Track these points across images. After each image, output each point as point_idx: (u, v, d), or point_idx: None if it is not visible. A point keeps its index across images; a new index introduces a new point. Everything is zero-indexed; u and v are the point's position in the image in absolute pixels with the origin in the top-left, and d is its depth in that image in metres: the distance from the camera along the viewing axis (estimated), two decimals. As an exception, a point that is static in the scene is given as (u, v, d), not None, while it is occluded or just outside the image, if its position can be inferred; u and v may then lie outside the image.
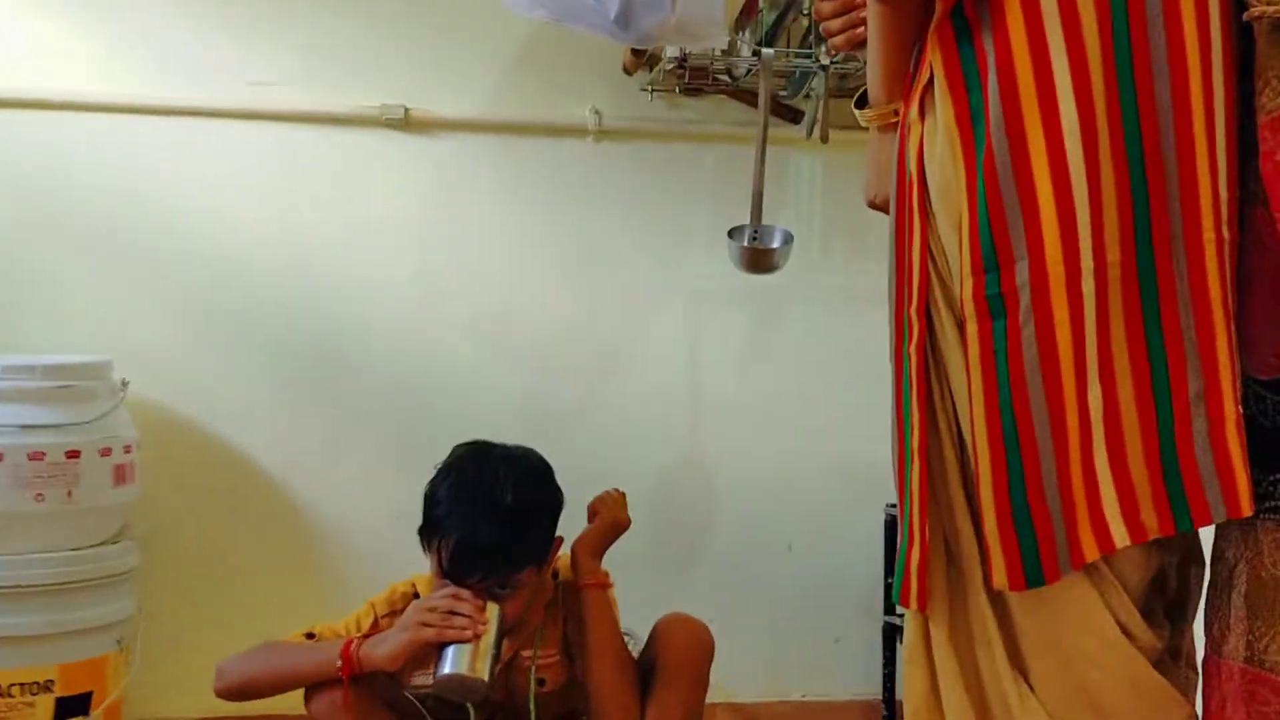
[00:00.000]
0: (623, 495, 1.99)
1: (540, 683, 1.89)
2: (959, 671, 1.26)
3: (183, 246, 2.50)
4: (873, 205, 1.47)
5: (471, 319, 2.60)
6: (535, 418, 2.51)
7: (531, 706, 1.87)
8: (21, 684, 2.12)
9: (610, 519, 1.94)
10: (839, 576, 2.65)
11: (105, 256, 2.48)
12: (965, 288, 1.23)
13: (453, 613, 1.74)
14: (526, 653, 1.90)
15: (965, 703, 1.25)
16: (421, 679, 1.87)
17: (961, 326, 1.24)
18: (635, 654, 1.96)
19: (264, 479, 2.52)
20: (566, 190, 2.63)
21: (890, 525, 2.52)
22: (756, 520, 2.64)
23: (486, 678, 1.73)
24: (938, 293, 1.26)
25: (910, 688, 1.30)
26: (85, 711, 2.18)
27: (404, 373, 2.56)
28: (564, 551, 1.94)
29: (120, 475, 2.23)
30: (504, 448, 1.89)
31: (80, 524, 2.20)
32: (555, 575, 1.95)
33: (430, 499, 1.83)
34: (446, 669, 1.74)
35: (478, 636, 1.74)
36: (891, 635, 2.52)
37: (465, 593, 1.77)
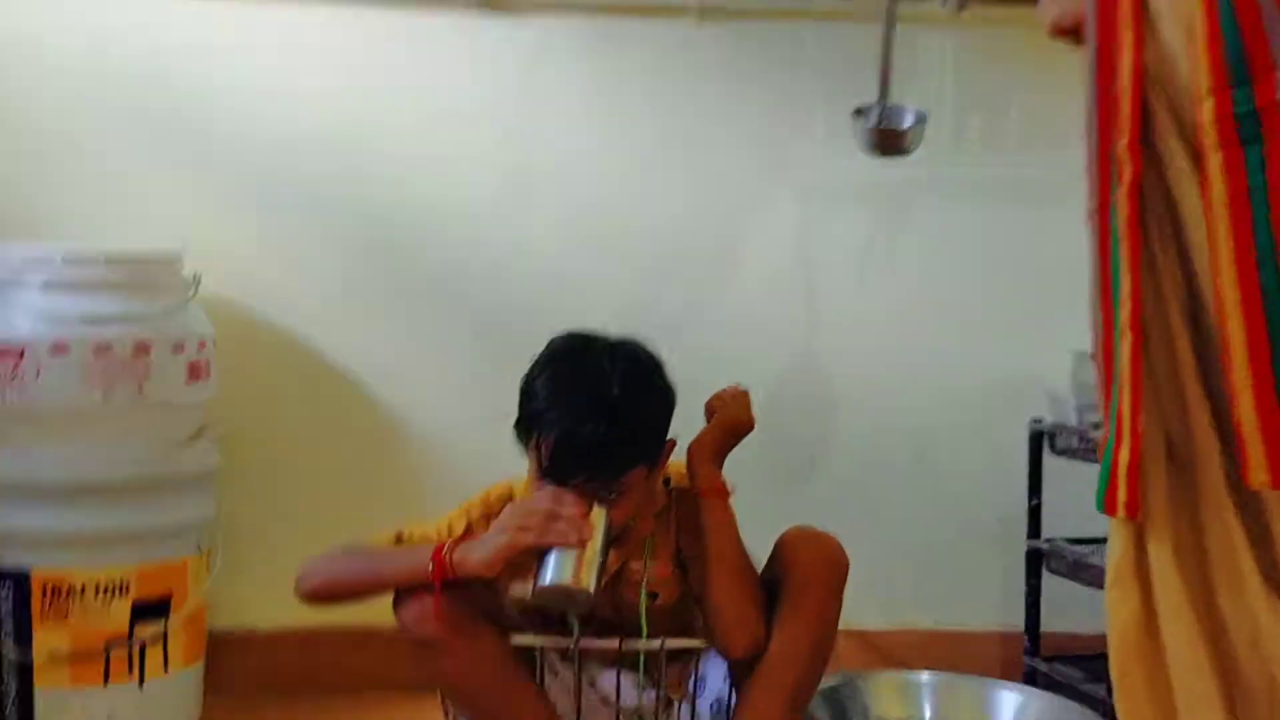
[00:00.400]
0: (745, 393, 1.76)
1: (652, 596, 1.69)
2: (1185, 594, 1.02)
3: (254, 136, 2.33)
4: (1058, 31, 1.20)
5: (562, 216, 2.39)
6: (632, 320, 2.24)
7: (643, 622, 1.67)
8: (97, 585, 1.98)
9: (730, 418, 1.71)
10: (976, 496, 2.41)
11: (172, 145, 2.32)
12: (1204, 108, 0.97)
13: (554, 516, 1.54)
14: (636, 564, 1.69)
15: (1193, 631, 1.01)
16: (520, 589, 1.67)
17: (1199, 159, 0.98)
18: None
19: (346, 378, 2.34)
20: (666, 76, 2.40)
21: (1035, 440, 2.27)
22: (882, 433, 2.40)
23: (592, 588, 1.54)
24: (1162, 119, 1.01)
25: (1117, 615, 1.06)
26: (164, 615, 2.04)
27: (491, 271, 2.37)
28: (678, 457, 1.72)
29: (195, 372, 2.07)
30: (607, 338, 1.68)
31: (154, 422, 2.04)
32: (667, 483, 1.74)
33: (527, 392, 1.63)
34: (548, 578, 1.54)
35: (582, 543, 1.54)
36: (1037, 561, 2.27)
37: (568, 495, 1.57)
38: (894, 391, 2.40)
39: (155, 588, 2.03)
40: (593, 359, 1.61)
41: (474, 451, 2.21)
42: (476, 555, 1.55)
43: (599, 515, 1.58)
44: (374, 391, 2.35)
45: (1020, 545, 2.31)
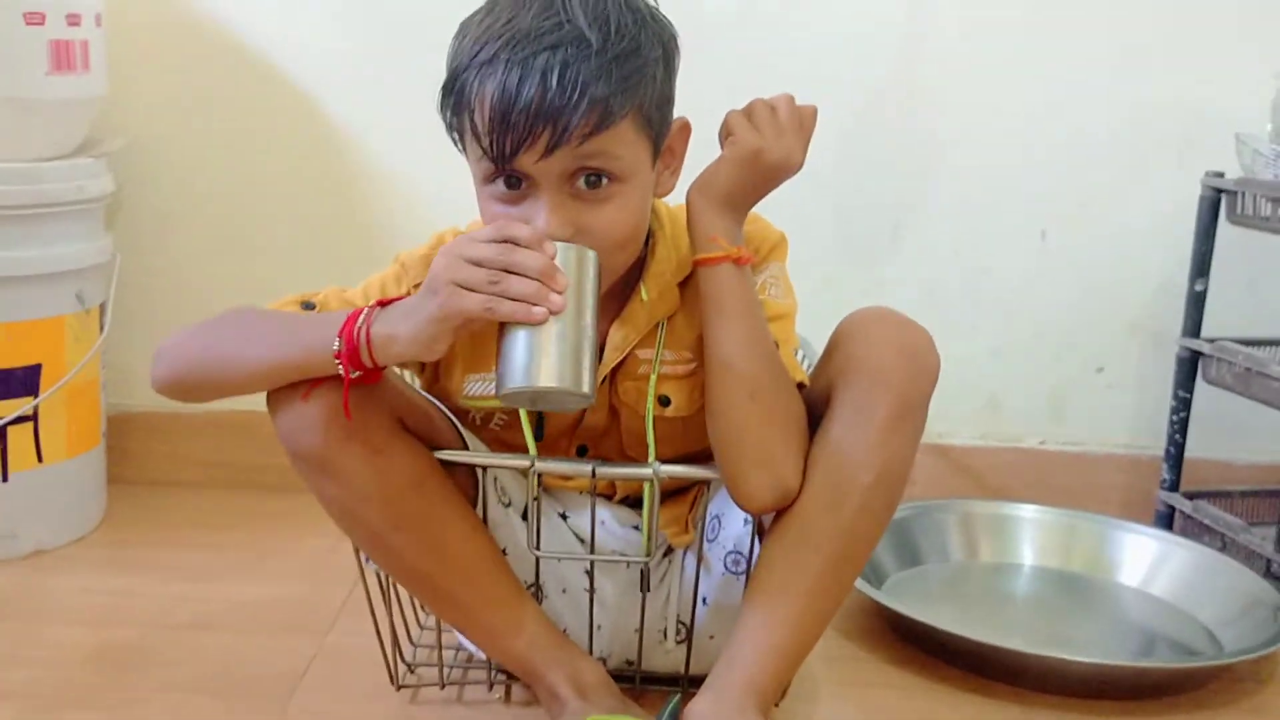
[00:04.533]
0: (810, 112, 1.10)
1: (663, 402, 1.16)
2: None
3: None
4: None
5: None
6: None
7: (649, 436, 1.13)
8: (-66, 350, 1.50)
9: (750, 148, 1.07)
10: (1113, 276, 1.82)
11: None
12: None
13: (505, 260, 0.97)
14: (644, 353, 1.15)
15: None
16: (482, 386, 1.16)
17: None
18: (807, 370, 1.20)
19: (283, 79, 1.77)
20: None
21: (1210, 203, 1.66)
22: (993, 190, 1.80)
23: (586, 385, 0.98)
24: None
25: None
26: (33, 391, 1.56)
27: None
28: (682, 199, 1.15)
29: (64, 58, 1.52)
30: None
31: (5, 127, 1.51)
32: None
33: (453, 55, 1.05)
34: (514, 379, 0.98)
35: (555, 312, 0.97)
36: (1191, 367, 1.70)
37: (524, 228, 0.99)
38: (1012, 132, 1.78)
39: (18, 354, 1.54)
40: None
41: (450, 187, 1.67)
42: (405, 331, 0.99)
43: (579, 256, 1.00)
44: (321, 98, 1.78)
45: (1169, 345, 1.74)
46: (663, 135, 1.08)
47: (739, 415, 1.05)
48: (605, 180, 1.03)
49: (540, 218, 1.01)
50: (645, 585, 1.17)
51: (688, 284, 1.16)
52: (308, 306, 1.13)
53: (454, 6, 1.09)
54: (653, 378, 1.14)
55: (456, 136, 1.07)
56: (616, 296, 1.13)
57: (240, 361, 1.06)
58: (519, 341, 0.98)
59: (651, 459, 1.13)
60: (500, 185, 1.03)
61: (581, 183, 1.02)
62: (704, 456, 1.19)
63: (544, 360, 0.97)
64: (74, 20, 1.53)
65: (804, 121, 1.09)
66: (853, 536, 1.05)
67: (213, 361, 1.07)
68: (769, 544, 1.08)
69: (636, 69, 1.01)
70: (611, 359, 1.13)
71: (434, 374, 1.19)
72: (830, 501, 1.05)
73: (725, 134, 1.10)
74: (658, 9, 1.07)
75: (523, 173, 1.02)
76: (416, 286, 1.13)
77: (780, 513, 1.07)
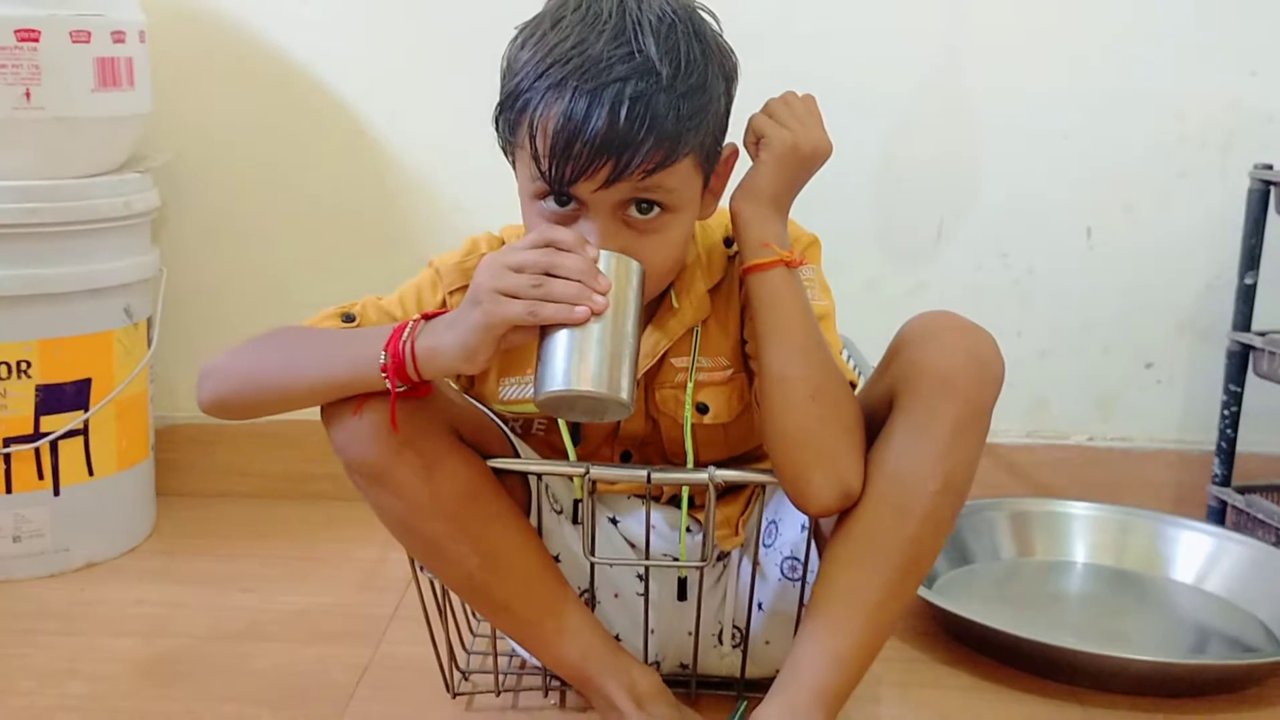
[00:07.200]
0: (809, 100, 1.10)
1: (701, 409, 1.15)
2: None
3: None
4: None
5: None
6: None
7: (687, 444, 1.14)
8: (-13, 364, 1.51)
9: (787, 144, 1.06)
10: (1157, 276, 1.80)
11: None
12: None
13: (549, 267, 0.96)
14: (679, 360, 1.15)
15: None
16: (517, 389, 1.16)
17: None
18: (858, 380, 1.19)
19: (325, 95, 1.78)
20: None
21: (1259, 196, 1.65)
22: (1037, 192, 1.78)
23: (625, 393, 0.96)
24: None
25: None
26: (83, 405, 1.58)
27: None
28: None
29: (109, 74, 1.54)
30: None
31: (52, 144, 1.53)
32: (729, 244, 1.17)
33: (509, 68, 1.04)
34: (551, 380, 0.96)
35: (597, 313, 0.97)
36: (1242, 361, 1.69)
37: (566, 232, 0.99)
38: (1056, 133, 1.77)
39: (68, 369, 1.55)
40: (609, 3, 1.01)
41: (490, 201, 1.67)
42: (449, 342, 0.98)
43: (624, 265, 0.99)
44: (363, 114, 1.79)
45: (1217, 339, 1.73)
46: (715, 164, 1.08)
47: (799, 416, 1.04)
48: (657, 210, 1.02)
49: (589, 241, 1.01)
50: (683, 594, 1.18)
51: (718, 291, 1.16)
52: (348, 319, 1.13)
53: (494, 22, 1.09)
54: (689, 385, 1.14)
55: (509, 151, 1.07)
56: (648, 305, 1.12)
57: (287, 381, 1.06)
58: (559, 344, 0.96)
59: (690, 464, 1.13)
60: (550, 203, 1.03)
61: (633, 210, 1.02)
62: (746, 461, 1.20)
63: (583, 364, 0.95)
64: (119, 38, 1.55)
65: (811, 108, 1.09)
66: (918, 544, 1.04)
67: (259, 382, 1.07)
68: (833, 550, 1.07)
69: (702, 105, 1.01)
70: (644, 365, 1.12)
71: (469, 379, 1.19)
72: (896, 509, 1.04)
73: (754, 139, 1.09)
74: (722, 35, 1.06)
75: (576, 197, 1.02)
76: (451, 293, 1.14)
77: (844, 519, 1.06)
